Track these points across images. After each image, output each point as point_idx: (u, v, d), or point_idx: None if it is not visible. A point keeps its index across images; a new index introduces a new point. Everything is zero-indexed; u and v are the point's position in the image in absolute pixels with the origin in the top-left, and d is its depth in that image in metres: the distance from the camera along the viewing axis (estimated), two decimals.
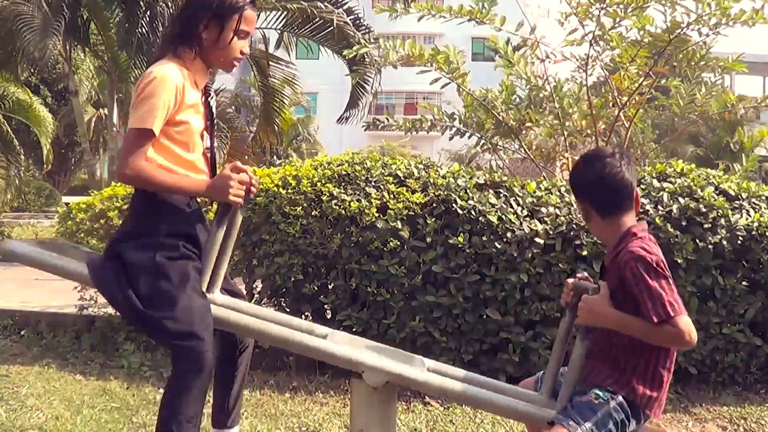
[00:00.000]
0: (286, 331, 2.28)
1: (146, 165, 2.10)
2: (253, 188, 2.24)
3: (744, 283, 3.98)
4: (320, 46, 12.36)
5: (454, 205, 4.05)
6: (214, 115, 2.33)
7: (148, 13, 11.20)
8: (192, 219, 2.23)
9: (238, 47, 2.24)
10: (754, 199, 4.24)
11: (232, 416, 2.44)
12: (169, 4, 11.18)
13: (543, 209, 4.11)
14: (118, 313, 5.00)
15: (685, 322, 1.97)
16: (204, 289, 2.21)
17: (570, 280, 2.17)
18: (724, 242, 3.94)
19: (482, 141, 5.86)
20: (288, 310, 4.44)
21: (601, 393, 2.07)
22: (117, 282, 2.11)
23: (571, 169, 2.22)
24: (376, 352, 2.30)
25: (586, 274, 2.18)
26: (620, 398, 2.07)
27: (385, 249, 4.00)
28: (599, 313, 2.05)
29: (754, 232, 3.99)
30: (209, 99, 2.31)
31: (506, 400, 2.23)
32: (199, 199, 2.36)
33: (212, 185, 2.17)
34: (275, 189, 4.24)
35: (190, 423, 2.10)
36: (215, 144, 2.37)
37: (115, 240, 2.24)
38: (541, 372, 2.35)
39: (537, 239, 3.94)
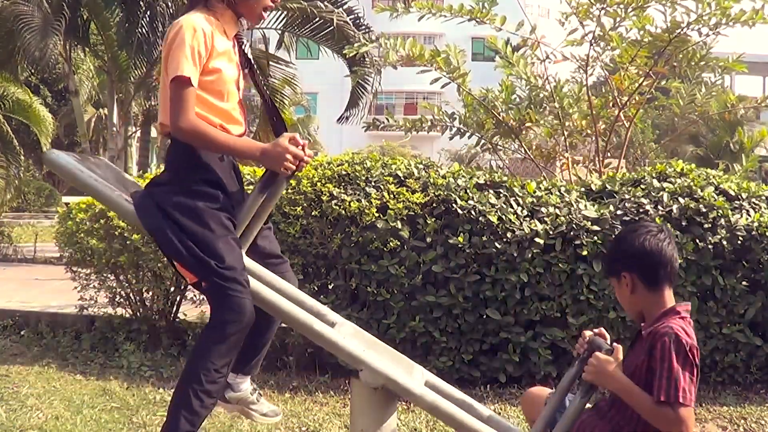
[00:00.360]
0: (296, 310, 2.24)
1: (197, 121, 2.08)
2: (303, 163, 2.23)
3: (744, 283, 3.98)
4: (320, 46, 12.36)
5: (454, 205, 4.05)
6: (252, 62, 2.30)
7: (148, 13, 11.20)
8: (227, 172, 2.22)
9: None
10: (754, 199, 4.24)
11: (250, 365, 2.40)
12: (169, 4, 11.18)
13: (543, 209, 4.11)
14: (117, 312, 5.06)
15: (689, 416, 1.96)
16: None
17: (587, 333, 2.15)
18: (724, 242, 3.94)
19: (482, 141, 5.86)
20: None
21: None
22: (165, 222, 2.09)
23: (614, 240, 2.17)
24: (380, 353, 2.29)
25: (603, 331, 2.16)
26: None
27: (385, 249, 4.00)
28: (608, 374, 2.04)
29: (754, 232, 3.99)
30: (243, 48, 2.29)
31: None
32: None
33: (267, 152, 2.14)
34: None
35: (219, 373, 2.08)
36: (259, 90, 2.33)
37: (153, 184, 2.23)
38: (551, 391, 2.32)
39: (537, 239, 3.94)
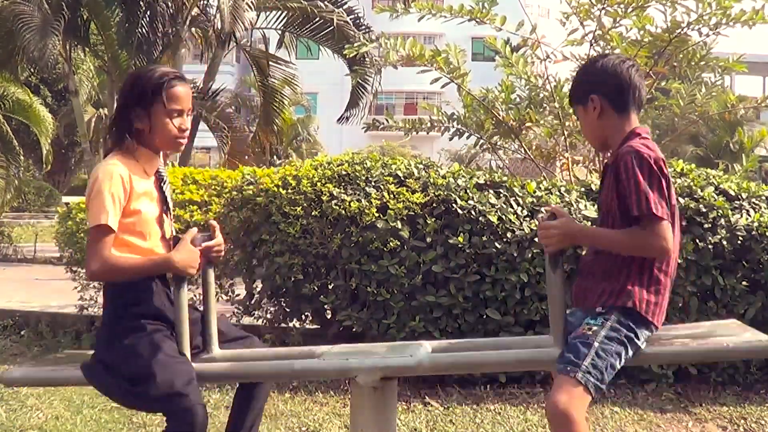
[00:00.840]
0: (273, 365, 2.35)
1: (110, 259, 2.13)
2: (218, 253, 2.32)
3: (744, 283, 3.98)
4: (320, 46, 12.36)
5: (454, 205, 4.05)
6: (169, 201, 2.34)
7: (148, 13, 11.20)
8: (152, 296, 2.26)
9: (174, 126, 2.23)
10: (754, 199, 4.24)
11: None
12: (169, 4, 11.19)
13: (543, 209, 4.11)
14: None
15: (665, 228, 1.93)
16: (186, 351, 2.24)
17: (540, 216, 2.19)
18: (724, 242, 3.94)
19: (482, 141, 5.86)
20: (288, 310, 4.45)
21: (592, 321, 2.03)
22: (105, 376, 2.21)
23: (581, 68, 2.18)
24: (365, 353, 2.30)
25: (552, 206, 2.18)
26: (614, 316, 2.01)
27: (385, 249, 4.00)
28: (564, 232, 2.04)
29: (754, 232, 3.99)
30: (162, 185, 2.32)
31: (503, 354, 2.22)
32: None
33: (176, 262, 2.19)
34: (275, 189, 4.25)
35: None
36: (171, 222, 2.39)
37: (96, 344, 2.35)
38: None
39: (537, 239, 3.93)
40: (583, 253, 2.25)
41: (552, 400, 1.94)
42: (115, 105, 2.32)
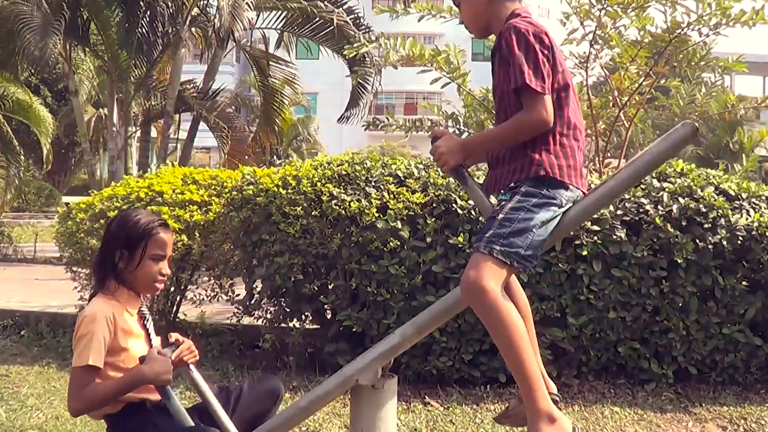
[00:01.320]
0: (284, 414, 2.34)
1: (87, 392, 2.16)
2: (189, 357, 2.33)
3: (744, 283, 3.98)
4: (320, 46, 12.36)
5: (454, 205, 4.05)
6: (152, 339, 2.39)
7: (148, 13, 11.21)
8: (159, 426, 2.28)
9: (155, 270, 2.31)
10: (754, 199, 4.24)
11: None
12: (169, 4, 11.19)
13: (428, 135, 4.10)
14: None
15: (542, 100, 1.90)
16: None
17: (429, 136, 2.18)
18: (724, 242, 3.94)
19: None
20: (288, 310, 4.45)
21: (503, 197, 2.03)
22: None
23: None
24: (364, 354, 2.32)
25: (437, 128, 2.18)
26: (524, 188, 1.99)
27: (385, 249, 4.00)
28: (451, 146, 2.04)
29: (754, 232, 3.99)
30: (145, 322, 2.38)
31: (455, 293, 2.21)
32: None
33: (154, 372, 2.19)
34: (275, 189, 4.24)
35: None
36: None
37: None
38: None
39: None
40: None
41: (464, 277, 1.92)
42: (101, 246, 2.38)
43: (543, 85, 1.92)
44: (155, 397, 2.26)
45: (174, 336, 2.37)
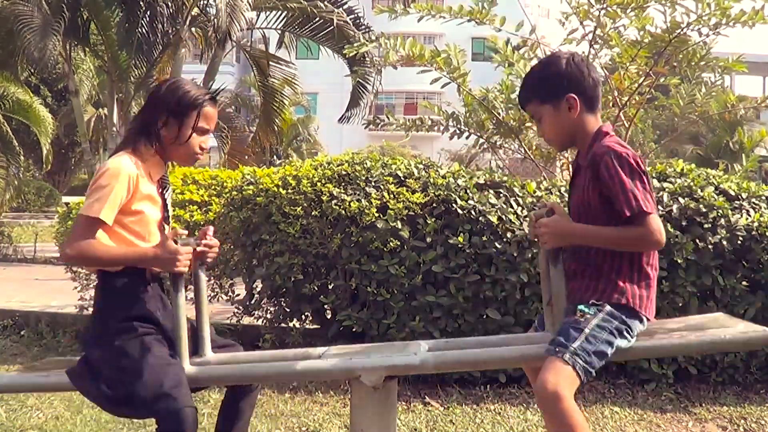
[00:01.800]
0: (274, 365, 2.34)
1: (88, 242, 2.13)
2: (207, 252, 2.30)
3: (744, 283, 3.98)
4: (320, 46, 12.36)
5: (454, 205, 4.05)
6: (169, 208, 2.37)
7: (148, 13, 11.20)
8: (146, 299, 2.26)
9: (196, 143, 2.29)
10: (754, 199, 4.24)
11: None
12: (169, 4, 11.19)
13: (537, 205, 4.11)
14: None
15: (657, 221, 1.96)
16: (184, 355, 2.24)
17: (532, 213, 2.18)
18: (724, 242, 3.94)
19: (482, 141, 5.86)
20: (288, 310, 4.45)
21: (585, 308, 2.04)
22: (91, 379, 2.19)
23: (548, 65, 2.16)
24: (367, 353, 2.30)
25: (545, 201, 2.20)
26: (608, 308, 2.03)
27: (385, 249, 4.00)
28: (563, 230, 2.05)
29: (754, 232, 3.99)
30: (164, 192, 2.35)
31: (504, 351, 2.22)
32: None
33: (156, 256, 2.18)
34: (275, 189, 4.25)
35: None
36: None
37: (83, 342, 2.34)
38: (538, 316, 2.33)
39: (537, 239, 3.93)
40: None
41: (540, 381, 1.94)
42: (144, 106, 2.34)
43: (654, 206, 1.99)
44: (157, 270, 2.26)
45: (208, 227, 2.34)
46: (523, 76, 2.28)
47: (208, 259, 2.34)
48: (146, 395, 2.06)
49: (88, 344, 2.29)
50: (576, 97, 2.11)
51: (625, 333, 2.04)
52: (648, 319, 2.10)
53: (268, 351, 2.49)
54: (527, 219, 4.06)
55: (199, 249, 2.27)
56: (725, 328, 2.16)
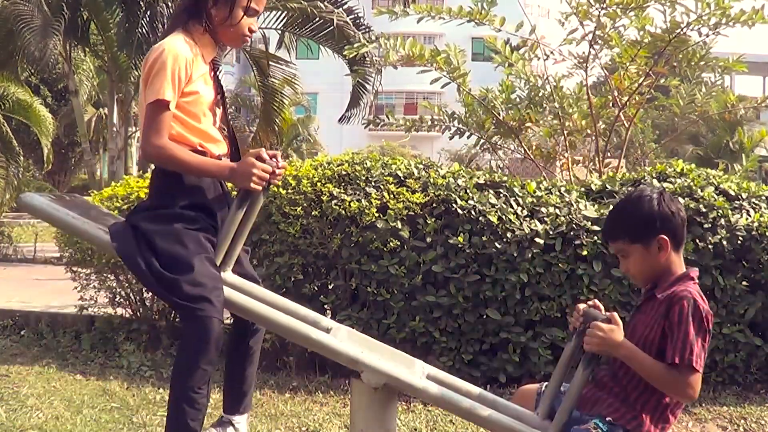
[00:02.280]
0: (291, 321, 2.26)
1: (168, 143, 2.13)
2: (276, 178, 2.25)
3: (744, 283, 3.98)
4: (320, 46, 12.35)
5: (454, 205, 4.05)
6: (224, 89, 2.35)
7: (148, 13, 11.19)
8: (210, 193, 2.25)
9: (246, 24, 2.27)
10: (754, 199, 4.24)
11: (244, 402, 2.43)
12: (169, 4, 11.18)
13: (543, 209, 4.11)
14: (117, 312, 5.06)
15: (698, 381, 1.98)
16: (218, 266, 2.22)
17: (581, 306, 2.16)
18: (724, 242, 3.95)
19: (482, 141, 5.86)
20: None
21: (600, 424, 2.06)
22: (138, 247, 2.13)
23: (638, 204, 2.16)
24: (378, 352, 2.29)
25: (597, 302, 2.18)
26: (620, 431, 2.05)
27: (385, 249, 4.00)
28: (613, 341, 2.04)
29: (754, 232, 3.99)
30: (217, 73, 2.34)
31: (501, 418, 2.20)
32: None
33: (234, 170, 2.18)
34: (275, 189, 4.24)
35: (197, 393, 2.10)
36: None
37: (135, 211, 2.29)
38: (544, 384, 2.32)
39: (537, 239, 3.94)
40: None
41: None
42: None
43: (701, 366, 1.99)
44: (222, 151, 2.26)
45: (279, 157, 2.28)
46: (612, 211, 2.29)
47: (276, 181, 2.30)
48: (189, 291, 2.05)
49: (142, 213, 2.23)
50: (667, 238, 2.12)
51: None
52: None
53: (281, 298, 2.42)
54: (527, 220, 4.05)
55: (278, 171, 2.23)
56: None
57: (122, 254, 2.17)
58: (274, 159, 2.23)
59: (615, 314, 2.09)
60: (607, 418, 2.07)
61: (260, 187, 2.19)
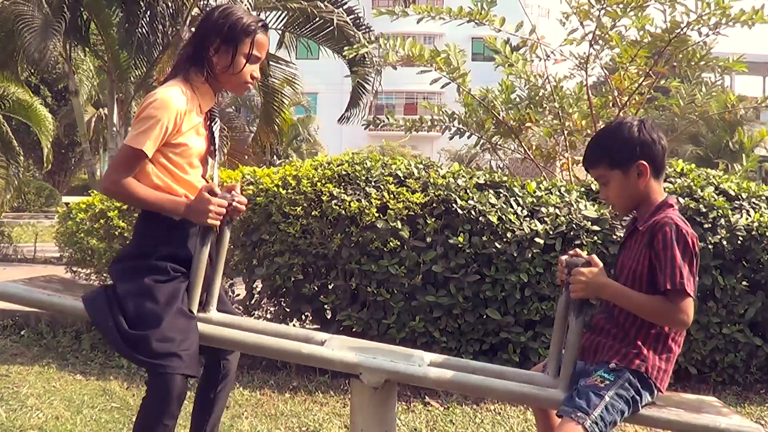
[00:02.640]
0: (281, 342, 2.30)
1: (128, 180, 2.12)
2: (236, 212, 2.27)
3: (744, 283, 3.98)
4: (320, 46, 12.36)
5: (454, 205, 4.05)
6: (216, 141, 2.32)
7: (148, 13, 11.20)
8: (189, 239, 2.24)
9: (248, 71, 2.25)
10: (754, 199, 4.24)
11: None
12: (170, 4, 11.19)
13: (543, 209, 4.11)
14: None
15: (690, 304, 1.98)
16: (194, 309, 2.22)
17: (563, 257, 2.17)
18: (724, 242, 3.95)
19: (482, 141, 5.86)
20: (288, 310, 4.45)
21: (606, 375, 2.05)
22: (109, 309, 2.14)
23: (618, 131, 2.15)
24: (373, 352, 2.30)
25: (579, 250, 2.19)
26: (627, 376, 2.05)
27: (385, 249, 4.00)
28: (598, 283, 2.05)
29: (754, 232, 3.99)
30: (212, 124, 2.31)
31: (509, 384, 2.22)
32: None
33: (189, 207, 2.17)
34: (275, 189, 4.25)
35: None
36: (216, 163, 2.36)
37: (115, 260, 2.29)
38: (545, 360, 2.34)
39: (537, 239, 3.94)
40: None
41: None
42: (195, 32, 2.29)
43: (693, 290, 2.00)
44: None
45: (237, 191, 2.31)
46: (593, 137, 2.27)
47: (235, 216, 2.31)
48: (156, 347, 2.04)
49: (117, 274, 2.23)
50: (646, 164, 2.12)
51: (636, 403, 2.06)
52: (660, 392, 2.12)
53: (270, 324, 2.46)
54: (527, 220, 4.06)
55: (234, 204, 2.23)
56: (721, 416, 2.16)
57: (94, 321, 2.19)
58: (231, 192, 2.24)
59: (594, 256, 2.10)
60: (611, 365, 2.07)
61: (217, 223, 2.19)
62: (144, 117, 2.11)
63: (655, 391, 2.10)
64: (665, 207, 2.11)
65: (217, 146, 2.33)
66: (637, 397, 2.05)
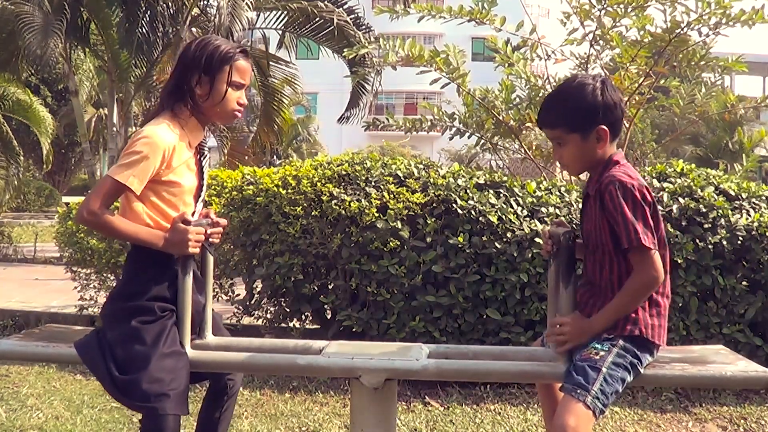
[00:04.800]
0: (275, 357, 2.31)
1: (105, 212, 2.10)
2: (213, 236, 2.26)
3: (744, 283, 3.98)
4: (320, 46, 12.36)
5: (454, 205, 4.05)
6: (205, 176, 2.30)
7: (148, 13, 11.20)
8: (174, 275, 2.22)
9: (233, 99, 2.22)
10: (754, 199, 4.24)
11: None
12: (170, 4, 11.19)
13: (543, 209, 4.11)
14: None
15: (654, 257, 1.96)
16: (186, 342, 2.22)
17: (546, 229, 2.17)
18: (724, 242, 3.94)
19: (482, 141, 5.86)
20: (288, 310, 4.45)
21: (599, 345, 2.04)
22: (101, 355, 2.14)
23: (577, 94, 2.08)
24: (370, 353, 2.29)
25: (562, 219, 2.18)
26: (621, 342, 2.03)
27: (385, 249, 4.00)
28: (576, 333, 2.06)
29: (754, 232, 3.99)
30: (202, 158, 2.29)
31: (507, 365, 2.22)
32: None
33: (167, 240, 2.15)
34: (275, 189, 4.25)
35: None
36: (203, 195, 2.35)
37: (105, 302, 2.29)
38: (545, 331, 2.33)
39: (537, 239, 3.94)
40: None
41: (561, 422, 1.94)
42: (175, 67, 2.26)
43: (654, 242, 1.97)
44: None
45: (213, 215, 2.30)
46: (550, 97, 2.19)
47: (213, 240, 2.30)
48: (147, 388, 2.04)
49: (107, 317, 2.23)
50: (607, 129, 2.07)
51: (636, 368, 2.05)
52: (659, 347, 2.11)
53: (267, 339, 2.46)
54: (527, 220, 4.06)
55: (209, 231, 2.22)
56: (726, 364, 2.17)
57: (89, 368, 2.19)
58: (205, 218, 2.24)
59: (565, 318, 2.09)
60: (603, 336, 2.06)
61: (197, 250, 2.18)
62: (130, 152, 2.09)
63: (654, 350, 2.08)
64: (610, 165, 2.07)
65: (204, 183, 2.31)
66: (636, 361, 2.03)
